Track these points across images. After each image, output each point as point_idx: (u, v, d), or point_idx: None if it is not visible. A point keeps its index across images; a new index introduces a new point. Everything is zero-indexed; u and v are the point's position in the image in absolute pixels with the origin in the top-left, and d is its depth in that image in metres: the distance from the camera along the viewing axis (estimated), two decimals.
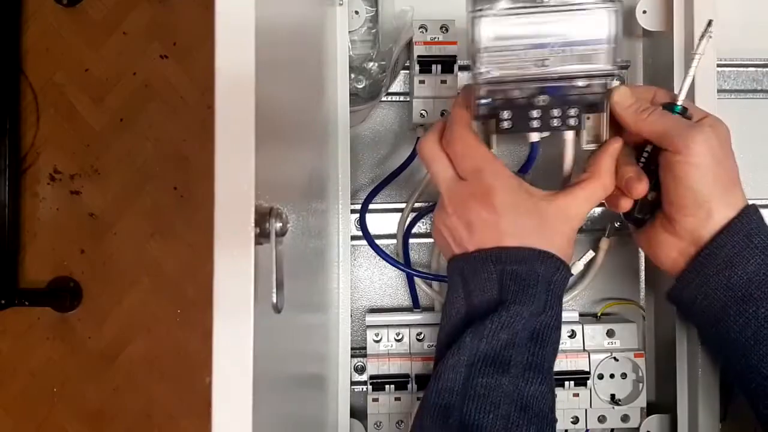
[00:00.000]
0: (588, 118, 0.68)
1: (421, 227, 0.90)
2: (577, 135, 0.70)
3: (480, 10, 0.62)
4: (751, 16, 0.92)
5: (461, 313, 0.66)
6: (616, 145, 0.69)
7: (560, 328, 0.66)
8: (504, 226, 0.65)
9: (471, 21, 0.63)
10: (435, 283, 0.88)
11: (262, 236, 0.44)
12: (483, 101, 0.65)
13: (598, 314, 0.90)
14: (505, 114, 0.66)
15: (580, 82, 0.64)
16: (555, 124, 0.66)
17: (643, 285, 0.92)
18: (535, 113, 0.65)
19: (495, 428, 0.60)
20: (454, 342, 0.64)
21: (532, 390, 0.62)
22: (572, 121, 0.66)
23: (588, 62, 0.62)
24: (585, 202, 0.67)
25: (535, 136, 0.69)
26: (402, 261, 0.88)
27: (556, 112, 0.65)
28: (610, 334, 0.85)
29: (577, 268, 0.85)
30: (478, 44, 0.63)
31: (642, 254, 0.92)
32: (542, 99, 0.65)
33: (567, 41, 0.62)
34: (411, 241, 0.89)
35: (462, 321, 0.66)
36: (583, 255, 0.85)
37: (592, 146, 0.70)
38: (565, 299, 0.86)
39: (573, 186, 0.68)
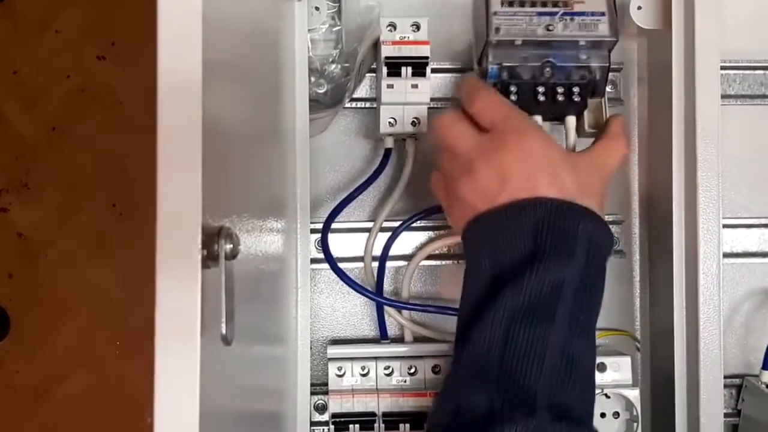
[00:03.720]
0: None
1: (392, 248, 0.89)
2: (578, 121, 0.79)
3: None
4: (758, 13, 0.91)
5: (488, 278, 0.64)
6: (621, 117, 0.78)
7: (602, 294, 0.67)
8: (538, 170, 0.66)
9: None
10: (405, 312, 0.87)
11: (210, 259, 0.44)
12: (492, 67, 0.78)
13: None
14: (512, 88, 0.78)
15: (583, 54, 0.78)
16: (560, 99, 0.77)
17: (638, 314, 0.92)
18: (540, 89, 0.77)
19: (539, 379, 0.59)
20: (480, 312, 0.63)
21: (580, 347, 0.62)
22: (576, 98, 0.78)
23: (590, 30, 0.77)
24: (609, 153, 0.73)
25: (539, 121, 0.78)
26: (372, 287, 0.87)
27: (560, 89, 0.78)
28: (601, 368, 0.85)
29: None
30: (493, 6, 0.77)
31: (638, 281, 0.92)
32: (547, 71, 0.78)
33: (570, 12, 0.77)
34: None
35: (490, 285, 0.64)
36: None
37: (593, 130, 0.79)
38: None
39: (596, 141, 0.75)
